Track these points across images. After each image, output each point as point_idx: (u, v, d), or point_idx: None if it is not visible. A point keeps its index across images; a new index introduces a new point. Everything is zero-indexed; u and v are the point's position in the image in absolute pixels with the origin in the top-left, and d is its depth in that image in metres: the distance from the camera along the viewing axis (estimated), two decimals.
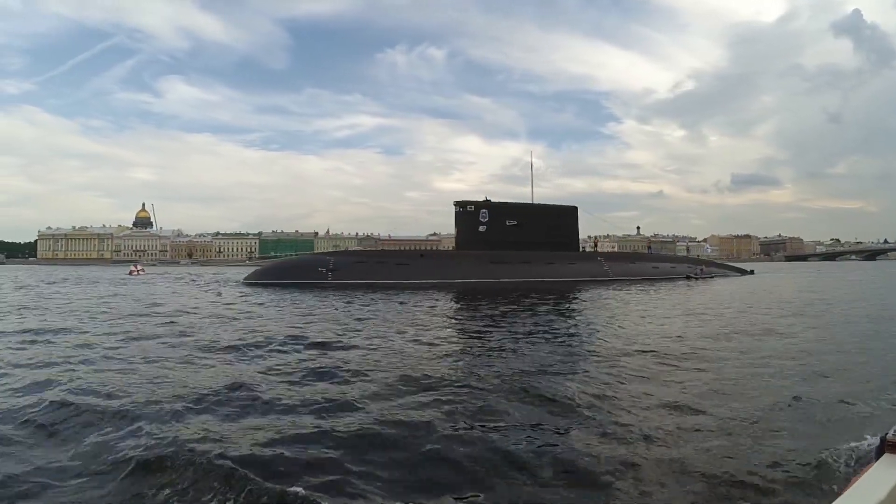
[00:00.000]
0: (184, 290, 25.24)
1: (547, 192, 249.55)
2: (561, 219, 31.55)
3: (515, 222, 29.98)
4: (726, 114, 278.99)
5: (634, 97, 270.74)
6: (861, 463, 2.97)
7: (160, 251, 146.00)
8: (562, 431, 4.31)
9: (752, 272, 40.72)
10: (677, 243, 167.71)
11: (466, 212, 30.06)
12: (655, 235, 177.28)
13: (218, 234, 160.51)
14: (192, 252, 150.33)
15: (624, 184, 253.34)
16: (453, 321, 11.51)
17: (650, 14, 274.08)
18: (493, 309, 13.77)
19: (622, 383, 5.77)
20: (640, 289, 22.34)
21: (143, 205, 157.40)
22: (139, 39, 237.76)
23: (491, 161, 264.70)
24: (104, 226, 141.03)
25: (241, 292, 22.45)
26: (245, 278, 30.13)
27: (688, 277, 31.98)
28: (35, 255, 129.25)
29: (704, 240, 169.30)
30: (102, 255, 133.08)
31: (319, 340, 8.79)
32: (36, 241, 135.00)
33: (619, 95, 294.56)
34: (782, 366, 6.67)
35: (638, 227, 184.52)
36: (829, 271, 49.01)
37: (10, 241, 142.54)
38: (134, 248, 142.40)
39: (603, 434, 4.17)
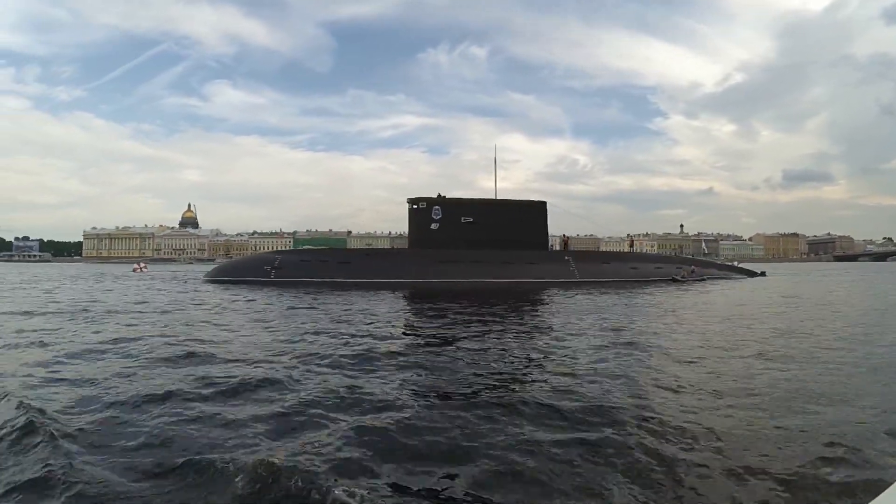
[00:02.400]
0: (146, 284, 25.79)
1: (593, 189, 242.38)
2: (526, 215, 28.81)
3: (471, 220, 27.69)
4: (777, 107, 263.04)
5: (681, 91, 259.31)
6: None
7: (199, 249, 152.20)
8: None
9: (762, 274, 36.24)
10: (721, 242, 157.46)
11: (419, 209, 28.10)
12: (699, 234, 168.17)
13: (255, 233, 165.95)
14: (229, 250, 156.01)
15: (672, 181, 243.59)
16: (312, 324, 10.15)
17: (695, 5, 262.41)
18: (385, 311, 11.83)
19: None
20: (602, 295, 18.49)
21: (189, 205, 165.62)
22: (186, 46, 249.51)
23: (536, 159, 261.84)
24: (146, 226, 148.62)
25: (181, 289, 22.41)
26: (205, 275, 30.52)
27: (673, 280, 28.52)
28: (81, 254, 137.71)
29: (702, 237, 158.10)
30: (144, 253, 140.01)
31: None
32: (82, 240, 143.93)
33: (666, 90, 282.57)
34: None
35: (681, 226, 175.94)
36: (865, 274, 43.00)
37: (62, 240, 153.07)
38: (174, 247, 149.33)
39: None
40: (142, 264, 53.03)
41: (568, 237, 31.28)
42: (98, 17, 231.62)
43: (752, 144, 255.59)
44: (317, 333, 8.95)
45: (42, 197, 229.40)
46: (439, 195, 28.46)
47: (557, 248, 33.87)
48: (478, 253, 26.41)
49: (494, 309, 13.37)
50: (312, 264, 27.45)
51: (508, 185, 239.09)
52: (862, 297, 18.99)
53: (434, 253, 26.55)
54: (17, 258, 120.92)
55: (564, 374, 5.79)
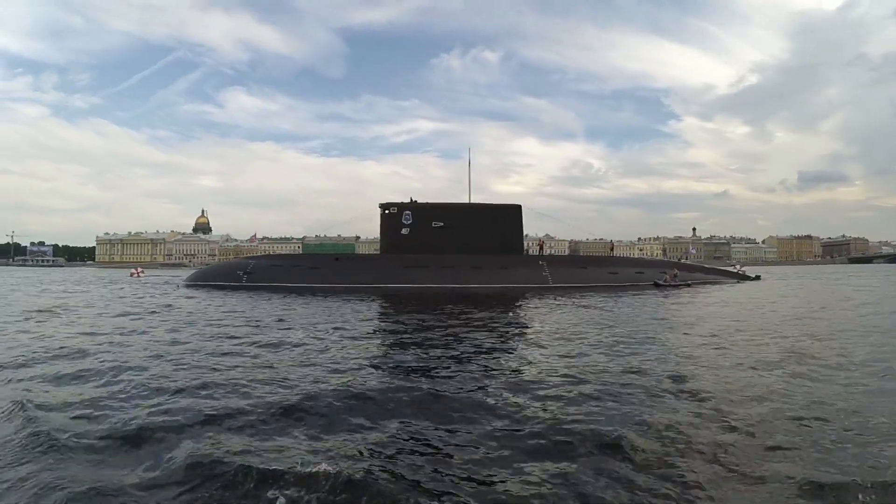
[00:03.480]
0: (126, 289, 26.72)
1: (607, 193, 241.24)
2: (499, 220, 28.25)
3: (442, 224, 27.28)
4: (791, 108, 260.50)
5: (694, 93, 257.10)
6: None
7: (209, 255, 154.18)
8: None
9: (757, 278, 34.99)
10: (733, 245, 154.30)
11: (389, 214, 27.84)
12: (712, 237, 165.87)
13: (264, 238, 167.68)
14: (239, 255, 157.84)
15: (686, 183, 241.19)
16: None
17: (707, 7, 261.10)
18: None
19: None
20: (563, 301, 17.48)
21: (202, 211, 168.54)
22: (201, 53, 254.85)
23: (549, 163, 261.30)
24: (157, 231, 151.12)
25: (153, 292, 23.62)
26: (185, 279, 31.38)
27: (656, 285, 27.65)
28: (94, 259, 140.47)
29: (714, 240, 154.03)
30: (155, 258, 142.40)
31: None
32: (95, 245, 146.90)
33: (679, 92, 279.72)
34: None
35: (693, 229, 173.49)
36: (874, 275, 40.85)
37: (77, 245, 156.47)
38: (184, 252, 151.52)
39: None
40: (139, 269, 53.62)
41: (543, 240, 30.60)
42: (113, 24, 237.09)
43: (767, 146, 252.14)
44: (226, 338, 9.10)
45: (59, 202, 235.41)
46: (412, 199, 28.16)
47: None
48: (447, 258, 25.99)
49: (442, 315, 12.98)
50: (284, 270, 27.43)
51: (522, 189, 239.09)
52: (844, 305, 17.80)
53: (402, 258, 26.26)
54: (30, 263, 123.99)
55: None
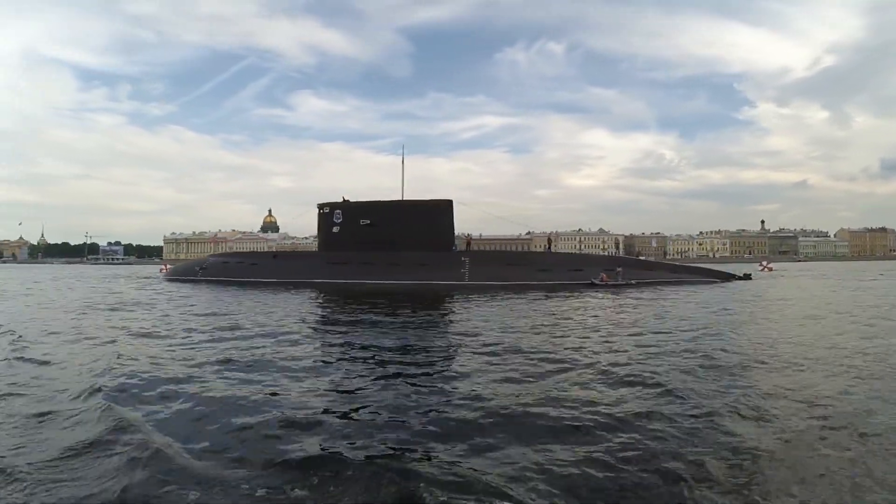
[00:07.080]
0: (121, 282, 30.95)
1: (680, 184, 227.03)
2: (427, 216, 28.64)
3: (368, 222, 28.34)
4: (870, 91, 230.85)
5: (769, 78, 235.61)
6: None
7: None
8: None
9: (746, 277, 30.65)
10: (801, 239, 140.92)
11: (323, 213, 29.47)
12: (780, 230, 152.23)
13: (219, 232, 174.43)
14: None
15: (764, 173, 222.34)
16: None
17: None
18: None
19: None
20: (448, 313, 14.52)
21: (269, 210, 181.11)
22: (269, 59, 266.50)
23: (621, 154, 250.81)
24: (219, 231, 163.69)
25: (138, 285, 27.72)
26: (165, 275, 35.29)
27: (592, 284, 26.77)
28: (161, 257, 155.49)
29: (781, 234, 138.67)
30: None
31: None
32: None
33: (753, 77, 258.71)
34: None
35: (762, 221, 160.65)
36: None
37: (152, 244, 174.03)
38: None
39: None
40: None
41: (470, 237, 30.51)
42: (183, 36, 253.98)
43: (847, 132, 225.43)
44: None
45: (138, 205, 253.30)
46: (344, 199, 29.49)
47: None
48: (368, 255, 27.00)
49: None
50: (230, 266, 30.11)
51: (593, 182, 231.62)
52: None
53: (329, 255, 27.73)
54: (101, 261, 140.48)
55: None
